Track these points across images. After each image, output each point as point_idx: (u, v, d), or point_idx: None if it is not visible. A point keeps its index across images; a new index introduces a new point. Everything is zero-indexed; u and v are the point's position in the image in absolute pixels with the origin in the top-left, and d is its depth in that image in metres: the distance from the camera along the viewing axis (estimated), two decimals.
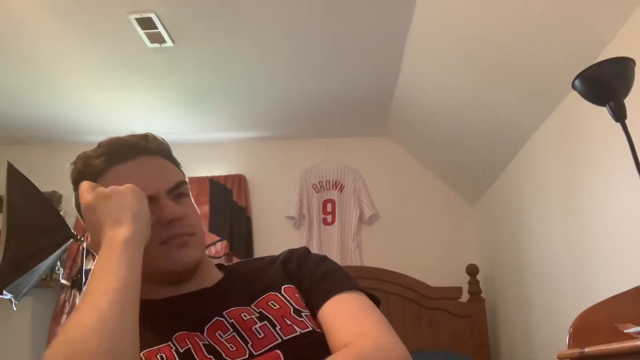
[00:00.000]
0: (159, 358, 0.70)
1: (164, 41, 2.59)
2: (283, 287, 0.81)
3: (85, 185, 0.77)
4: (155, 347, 0.71)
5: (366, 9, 2.41)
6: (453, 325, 3.04)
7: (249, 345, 0.71)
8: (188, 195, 0.85)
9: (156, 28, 2.48)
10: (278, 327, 0.73)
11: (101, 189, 0.75)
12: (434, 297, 3.08)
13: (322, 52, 2.77)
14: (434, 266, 3.40)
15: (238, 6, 2.38)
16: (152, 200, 0.78)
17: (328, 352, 0.71)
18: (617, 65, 1.34)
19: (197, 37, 2.61)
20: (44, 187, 3.09)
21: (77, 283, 3.28)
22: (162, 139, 0.88)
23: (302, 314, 0.77)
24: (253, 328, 0.73)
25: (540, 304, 2.59)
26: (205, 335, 0.73)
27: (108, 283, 0.66)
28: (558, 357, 1.28)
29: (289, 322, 0.74)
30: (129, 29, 2.50)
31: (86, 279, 3.26)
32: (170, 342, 0.72)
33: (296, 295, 0.80)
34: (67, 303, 3.28)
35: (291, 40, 2.67)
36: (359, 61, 2.86)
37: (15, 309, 2.92)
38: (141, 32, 2.52)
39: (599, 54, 1.85)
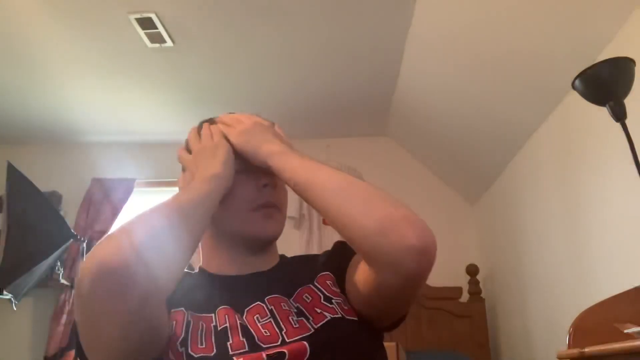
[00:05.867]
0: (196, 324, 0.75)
1: (164, 41, 2.59)
2: (317, 276, 0.83)
3: (192, 134, 0.94)
4: (198, 314, 0.75)
5: (366, 10, 2.41)
6: (453, 325, 3.04)
7: (283, 332, 0.73)
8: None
9: (156, 28, 2.49)
10: (311, 319, 0.75)
11: (204, 143, 0.89)
12: (434, 297, 3.07)
13: (323, 52, 2.77)
14: (434, 266, 3.38)
15: (238, 7, 2.38)
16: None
17: (358, 342, 0.74)
18: (617, 65, 1.34)
19: (197, 37, 2.61)
20: (44, 187, 3.10)
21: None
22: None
23: (333, 300, 0.79)
24: (290, 318, 0.76)
25: (540, 304, 2.59)
26: (244, 317, 0.76)
27: (177, 201, 0.73)
28: (558, 357, 1.28)
29: (319, 311, 0.76)
30: (129, 29, 2.50)
31: None
32: (213, 315, 0.76)
33: (328, 282, 0.82)
34: (67, 303, 3.28)
35: (291, 41, 2.67)
36: (359, 61, 2.86)
37: (15, 309, 2.92)
38: (141, 32, 2.52)
39: (599, 54, 1.85)
